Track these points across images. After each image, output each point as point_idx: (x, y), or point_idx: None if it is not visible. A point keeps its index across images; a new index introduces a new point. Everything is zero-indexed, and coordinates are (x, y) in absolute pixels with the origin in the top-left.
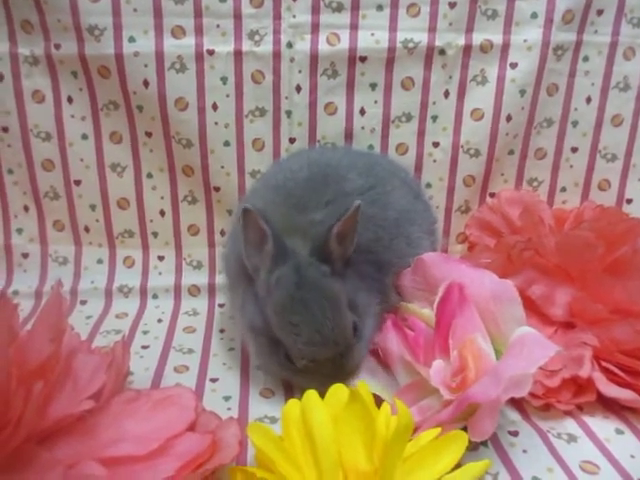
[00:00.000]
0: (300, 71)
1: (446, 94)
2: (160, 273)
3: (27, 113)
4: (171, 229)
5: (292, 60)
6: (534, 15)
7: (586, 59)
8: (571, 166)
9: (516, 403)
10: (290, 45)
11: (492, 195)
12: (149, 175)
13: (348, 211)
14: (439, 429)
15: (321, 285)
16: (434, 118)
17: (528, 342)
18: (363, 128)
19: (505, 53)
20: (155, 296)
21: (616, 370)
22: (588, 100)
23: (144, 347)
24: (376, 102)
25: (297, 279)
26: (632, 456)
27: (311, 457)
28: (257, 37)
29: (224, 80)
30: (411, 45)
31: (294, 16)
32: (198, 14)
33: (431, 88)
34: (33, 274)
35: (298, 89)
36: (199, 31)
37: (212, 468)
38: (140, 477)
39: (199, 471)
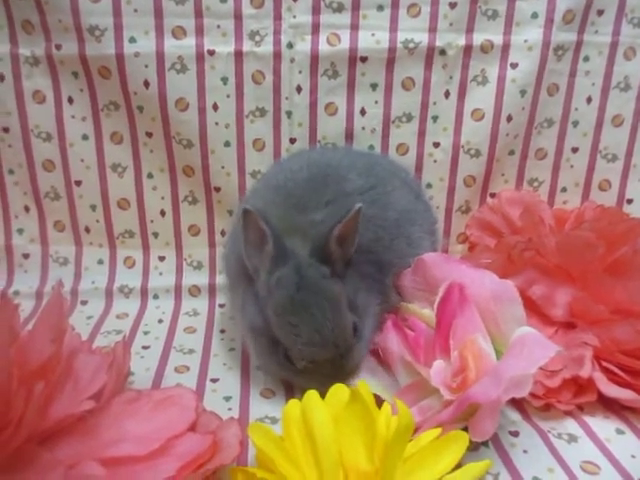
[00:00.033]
0: (300, 71)
1: (447, 94)
2: (161, 273)
3: (28, 113)
4: (172, 229)
5: (292, 60)
6: (534, 15)
7: (587, 59)
8: (572, 166)
9: (517, 403)
10: (290, 45)
11: (492, 195)
12: (150, 175)
13: (349, 213)
14: (440, 429)
15: (321, 286)
16: (435, 118)
17: (529, 342)
18: (363, 128)
19: (506, 53)
20: (156, 296)
21: (617, 370)
22: (589, 100)
23: (145, 347)
24: (376, 102)
25: (297, 280)
26: (633, 456)
27: (312, 457)
28: (258, 37)
29: (225, 80)
30: (412, 45)
31: (294, 16)
32: (199, 14)
33: (432, 88)
34: (34, 274)
35: (299, 89)
36: (200, 31)
37: (213, 468)
38: (141, 477)
39: (200, 471)
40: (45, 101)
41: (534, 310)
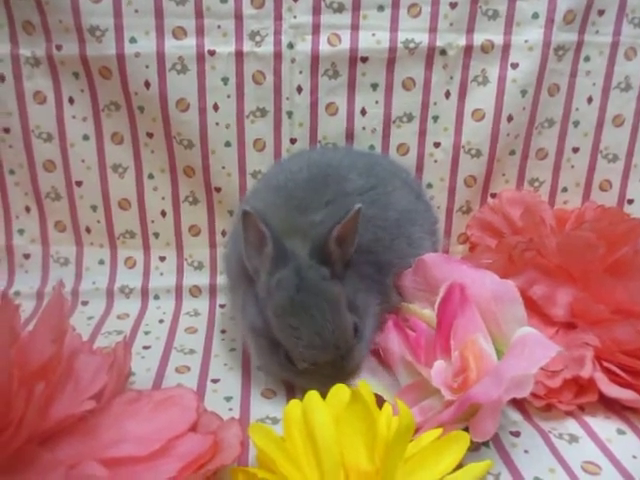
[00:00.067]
0: (301, 72)
1: (447, 94)
2: (161, 274)
3: (28, 114)
4: (172, 230)
5: (293, 61)
6: (535, 15)
7: (587, 59)
8: (572, 166)
9: (517, 403)
10: (291, 46)
11: (493, 195)
12: (150, 176)
13: (348, 213)
14: (440, 430)
15: (321, 288)
16: (435, 118)
17: (529, 342)
18: (364, 128)
19: (506, 53)
20: (156, 297)
21: (617, 370)
22: (589, 100)
23: (145, 348)
24: (377, 102)
25: (297, 282)
26: (634, 456)
27: (313, 457)
28: (258, 38)
29: (225, 81)
30: (412, 45)
31: (295, 17)
32: (199, 15)
33: (432, 88)
34: (34, 275)
35: (299, 89)
36: (200, 32)
37: (214, 469)
38: (141, 478)
39: (201, 472)
40: (46, 101)
41: (535, 310)
